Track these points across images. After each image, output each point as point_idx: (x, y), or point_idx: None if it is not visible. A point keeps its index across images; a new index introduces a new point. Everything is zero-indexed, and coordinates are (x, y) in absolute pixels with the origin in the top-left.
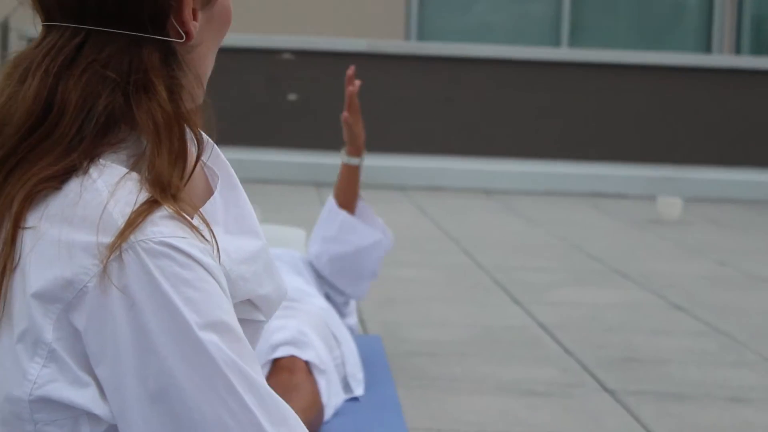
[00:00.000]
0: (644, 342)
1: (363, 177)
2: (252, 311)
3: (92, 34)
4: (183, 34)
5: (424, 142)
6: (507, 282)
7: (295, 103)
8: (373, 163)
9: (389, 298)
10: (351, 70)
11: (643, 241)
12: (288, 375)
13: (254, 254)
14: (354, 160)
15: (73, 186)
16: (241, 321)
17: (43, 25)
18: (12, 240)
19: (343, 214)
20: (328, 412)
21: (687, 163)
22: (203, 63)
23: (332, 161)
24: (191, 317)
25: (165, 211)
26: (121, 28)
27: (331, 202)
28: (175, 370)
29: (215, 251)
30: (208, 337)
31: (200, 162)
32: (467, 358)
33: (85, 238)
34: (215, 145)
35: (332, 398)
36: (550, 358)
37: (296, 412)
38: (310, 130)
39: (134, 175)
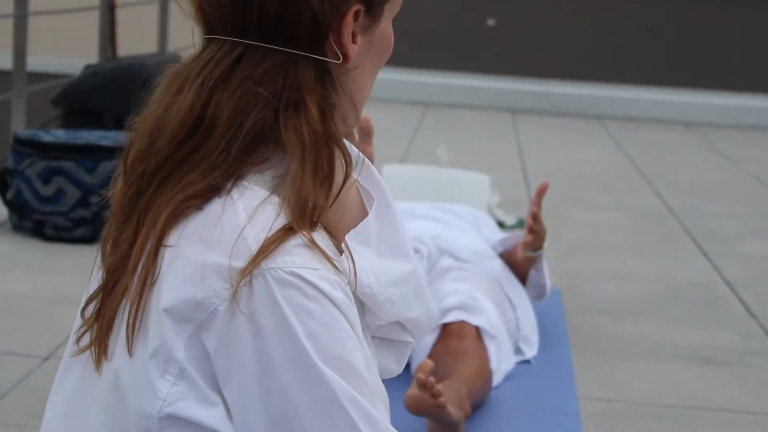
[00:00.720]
0: None
1: (561, 105)
2: (400, 332)
3: (250, 49)
4: (341, 55)
5: (623, 71)
6: (697, 230)
7: (493, 28)
8: (570, 91)
9: (574, 244)
10: (542, 186)
11: None
12: (457, 341)
13: (404, 278)
14: (535, 253)
15: (214, 207)
16: (389, 341)
17: (203, 37)
18: (154, 255)
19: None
20: (498, 378)
21: None
22: (359, 87)
23: (529, 88)
24: (313, 350)
25: (300, 239)
26: (278, 45)
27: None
28: (296, 398)
29: (352, 278)
30: (329, 371)
31: (356, 183)
32: (646, 318)
33: (218, 261)
34: (371, 165)
35: (502, 363)
36: (733, 321)
37: (464, 379)
38: (507, 56)
39: (275, 198)
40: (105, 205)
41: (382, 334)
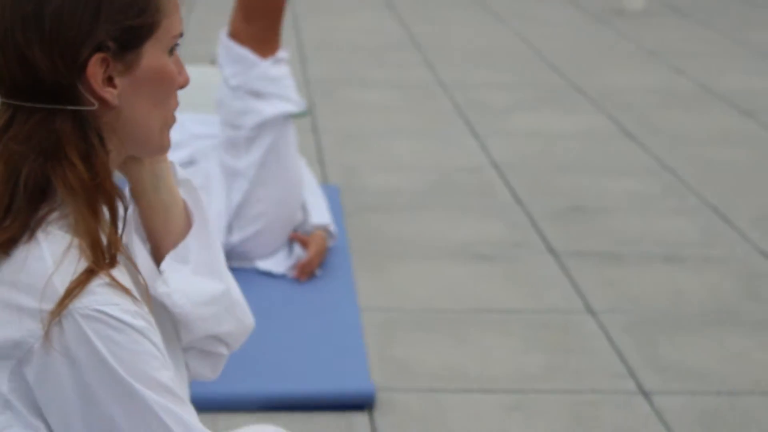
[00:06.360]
0: (592, 186)
1: None
2: (215, 344)
3: (19, 109)
4: (95, 102)
5: None
6: (467, 106)
7: None
8: None
9: (351, 130)
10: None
11: (603, 41)
12: None
13: (216, 297)
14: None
15: (19, 253)
16: (205, 352)
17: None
18: None
19: None
20: None
21: None
22: (139, 125)
23: None
24: (124, 371)
25: (101, 279)
26: (37, 102)
27: None
28: (114, 415)
29: (148, 309)
30: (140, 386)
31: (184, 202)
32: (421, 213)
33: (31, 304)
34: (196, 188)
35: None
36: (500, 209)
37: None
38: None
39: (77, 241)
40: None
41: (197, 346)
